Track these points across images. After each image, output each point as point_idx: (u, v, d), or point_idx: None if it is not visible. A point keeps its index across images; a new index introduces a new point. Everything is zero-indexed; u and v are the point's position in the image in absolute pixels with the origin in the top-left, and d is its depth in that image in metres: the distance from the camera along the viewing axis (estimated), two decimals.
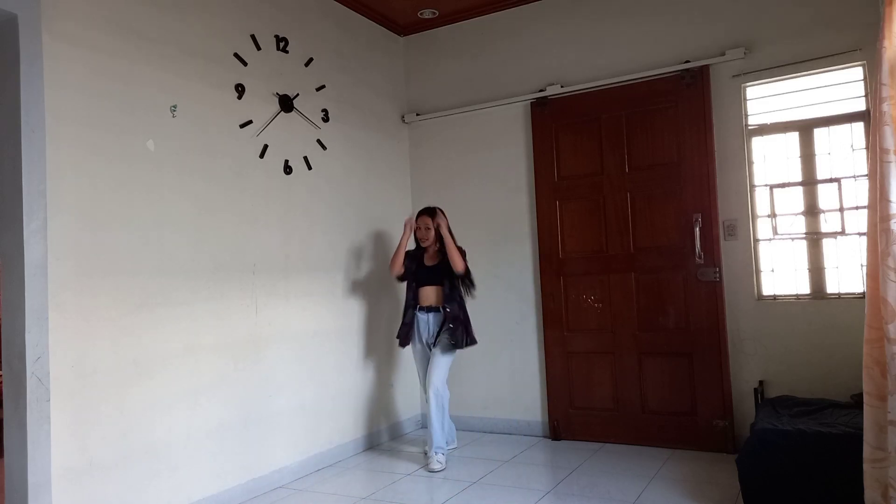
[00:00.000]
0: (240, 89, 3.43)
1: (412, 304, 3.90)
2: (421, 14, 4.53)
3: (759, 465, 2.72)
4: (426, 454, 3.79)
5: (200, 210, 3.16)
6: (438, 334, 3.81)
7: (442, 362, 3.78)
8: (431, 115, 4.71)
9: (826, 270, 3.59)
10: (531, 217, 4.35)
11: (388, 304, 4.41)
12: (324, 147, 4.00)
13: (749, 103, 3.79)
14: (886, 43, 2.31)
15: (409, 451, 4.06)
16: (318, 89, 3.97)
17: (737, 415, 3.70)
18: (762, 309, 3.70)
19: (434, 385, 3.73)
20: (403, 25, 4.73)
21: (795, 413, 3.00)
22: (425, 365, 3.88)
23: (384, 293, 4.38)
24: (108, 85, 2.79)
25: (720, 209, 3.77)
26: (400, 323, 3.97)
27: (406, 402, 4.55)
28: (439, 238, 3.83)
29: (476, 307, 4.41)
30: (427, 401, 3.76)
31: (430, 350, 3.84)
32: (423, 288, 3.88)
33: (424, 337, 3.87)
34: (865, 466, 2.38)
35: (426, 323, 3.86)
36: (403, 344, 3.94)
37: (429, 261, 3.92)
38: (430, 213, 3.88)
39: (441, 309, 3.82)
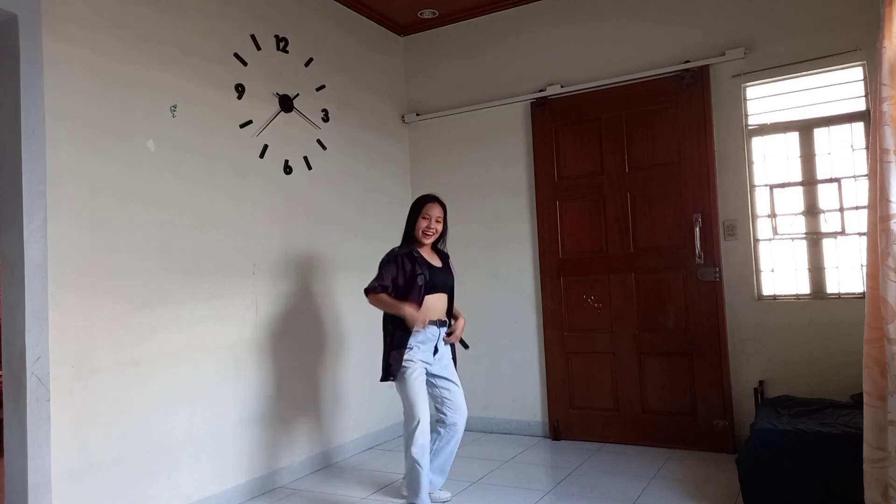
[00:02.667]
0: (240, 89, 3.43)
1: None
2: (421, 14, 4.53)
3: (759, 465, 2.72)
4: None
5: (200, 210, 3.16)
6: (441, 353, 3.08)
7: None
8: (431, 115, 4.71)
9: (826, 270, 3.59)
10: (531, 217, 4.35)
11: None
12: (324, 147, 4.00)
13: (749, 103, 3.79)
14: (886, 43, 2.31)
15: None
16: (318, 89, 3.97)
17: (737, 415, 3.69)
18: (762, 309, 3.70)
19: (465, 414, 3.10)
20: (403, 25, 4.73)
21: (795, 413, 3.00)
22: (426, 392, 3.02)
23: None
24: (108, 85, 2.79)
25: (720, 209, 3.76)
26: (390, 348, 2.98)
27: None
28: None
29: (476, 307, 4.41)
30: (453, 434, 3.05)
31: (434, 374, 3.06)
32: (431, 296, 3.00)
33: (429, 358, 3.01)
34: (865, 466, 2.38)
35: (437, 340, 3.03)
36: (395, 376, 2.96)
37: (433, 259, 3.12)
38: (442, 204, 3.14)
39: (448, 322, 3.13)
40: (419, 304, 2.95)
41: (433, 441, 3.05)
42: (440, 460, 3.09)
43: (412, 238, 3.10)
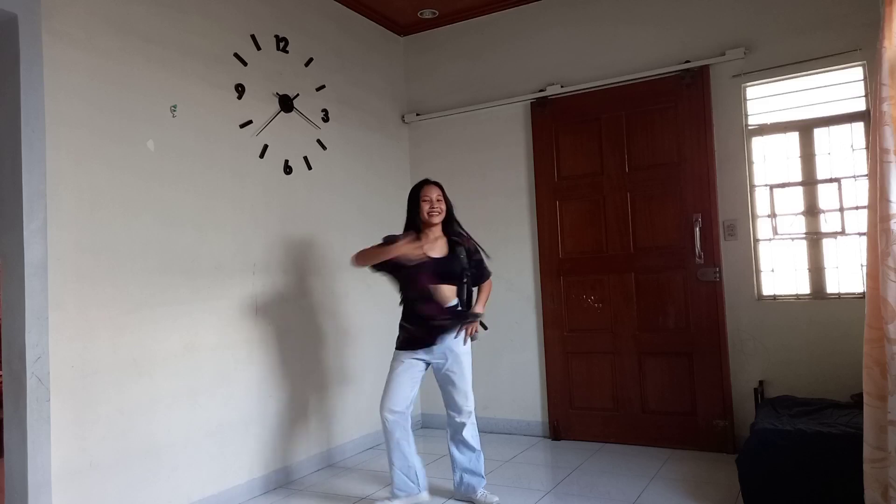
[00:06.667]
0: (240, 89, 3.43)
1: (424, 302, 2.97)
2: (421, 14, 4.53)
3: (759, 465, 2.73)
4: (476, 494, 3.06)
5: (200, 210, 3.16)
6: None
7: (470, 376, 3.06)
8: (431, 115, 4.71)
9: (826, 270, 3.58)
10: (531, 217, 4.35)
11: (392, 301, 4.40)
12: (324, 147, 4.00)
13: (749, 103, 3.79)
14: (886, 43, 2.31)
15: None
16: (318, 89, 3.97)
17: (737, 415, 3.69)
18: (762, 309, 3.70)
19: (473, 410, 3.05)
20: (403, 25, 4.73)
21: (795, 413, 3.00)
22: (412, 385, 3.02)
23: (388, 291, 4.37)
24: (108, 85, 2.79)
25: (720, 209, 3.76)
26: (403, 326, 3.08)
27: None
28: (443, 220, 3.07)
29: None
30: (461, 430, 3.02)
31: (442, 371, 3.03)
32: (437, 287, 2.98)
33: (429, 356, 3.03)
34: (865, 466, 2.38)
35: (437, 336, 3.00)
36: (412, 346, 3.02)
37: (434, 250, 3.03)
38: (437, 184, 3.10)
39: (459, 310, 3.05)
40: (419, 283, 2.97)
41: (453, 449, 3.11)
42: (465, 461, 3.08)
43: (416, 223, 3.05)
